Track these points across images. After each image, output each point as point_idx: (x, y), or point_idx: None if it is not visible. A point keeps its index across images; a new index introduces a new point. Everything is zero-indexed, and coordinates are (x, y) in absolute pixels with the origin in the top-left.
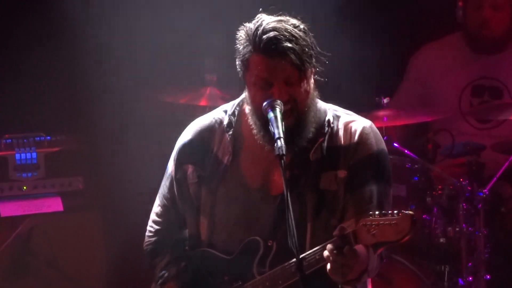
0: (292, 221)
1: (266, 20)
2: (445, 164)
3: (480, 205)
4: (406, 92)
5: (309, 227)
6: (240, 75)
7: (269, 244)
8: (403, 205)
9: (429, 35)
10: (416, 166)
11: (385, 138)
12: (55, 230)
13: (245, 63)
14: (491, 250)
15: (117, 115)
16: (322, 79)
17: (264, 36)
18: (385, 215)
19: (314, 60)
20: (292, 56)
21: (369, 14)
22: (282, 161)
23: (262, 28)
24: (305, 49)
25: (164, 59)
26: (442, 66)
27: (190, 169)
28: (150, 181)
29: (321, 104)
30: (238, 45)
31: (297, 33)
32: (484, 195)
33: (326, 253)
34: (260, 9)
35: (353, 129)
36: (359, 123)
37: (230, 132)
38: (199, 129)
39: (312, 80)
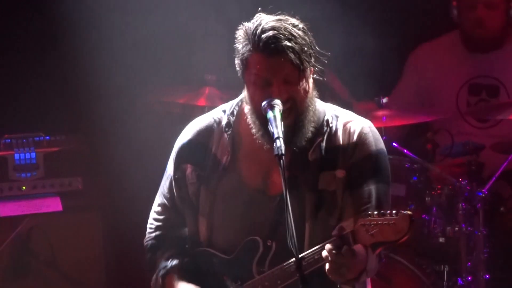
0: (291, 221)
1: (265, 19)
2: (445, 164)
3: (479, 205)
4: (403, 91)
5: (308, 227)
6: (239, 74)
7: (268, 244)
8: (402, 205)
9: (426, 34)
10: (415, 166)
11: (384, 138)
12: (54, 230)
13: (244, 62)
14: (490, 250)
15: (117, 115)
16: (321, 79)
17: (263, 35)
18: (383, 215)
19: (313, 59)
20: (291, 55)
21: (368, 14)
22: (281, 161)
23: (261, 27)
24: (304, 48)
25: (163, 59)
26: (439, 65)
27: (189, 169)
28: (150, 181)
29: (320, 104)
30: (237, 44)
31: (296, 32)
32: (484, 195)
33: (325, 253)
34: (259, 8)
35: (352, 129)
36: (358, 123)
37: (229, 132)
38: (198, 129)
39: (311, 80)
